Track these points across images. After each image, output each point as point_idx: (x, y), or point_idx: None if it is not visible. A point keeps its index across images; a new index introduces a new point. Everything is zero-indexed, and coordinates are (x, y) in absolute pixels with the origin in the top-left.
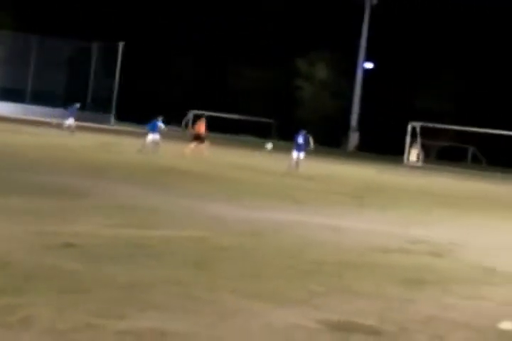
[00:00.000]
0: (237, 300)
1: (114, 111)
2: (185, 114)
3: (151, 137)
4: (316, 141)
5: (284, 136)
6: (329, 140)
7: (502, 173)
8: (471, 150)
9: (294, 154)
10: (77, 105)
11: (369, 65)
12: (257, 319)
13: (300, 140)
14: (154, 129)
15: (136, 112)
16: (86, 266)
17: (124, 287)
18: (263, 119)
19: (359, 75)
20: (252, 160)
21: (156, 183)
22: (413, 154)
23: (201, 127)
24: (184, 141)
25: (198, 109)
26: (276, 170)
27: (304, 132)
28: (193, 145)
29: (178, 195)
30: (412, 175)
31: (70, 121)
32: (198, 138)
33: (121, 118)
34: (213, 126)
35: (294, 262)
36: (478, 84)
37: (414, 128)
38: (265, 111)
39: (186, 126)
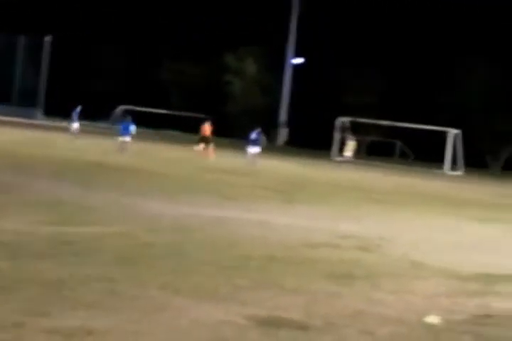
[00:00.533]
0: (164, 296)
1: (41, 106)
2: (114, 109)
3: (126, 139)
4: (245, 137)
5: (214, 131)
6: None
7: (428, 168)
8: (398, 145)
9: (250, 150)
10: (79, 108)
11: (298, 61)
12: (184, 314)
13: (253, 136)
14: (126, 132)
15: (64, 107)
16: (11, 264)
17: (51, 285)
18: (193, 114)
19: (288, 70)
20: (183, 156)
21: (86, 179)
22: (348, 149)
23: (207, 129)
24: (112, 136)
25: (128, 103)
26: (207, 166)
27: (258, 130)
28: (201, 146)
29: (109, 191)
30: (341, 170)
31: (75, 125)
32: (204, 139)
33: (49, 112)
34: (143, 121)
35: (221, 257)
36: (404, 79)
37: (343, 124)
38: (195, 106)
39: (115, 121)
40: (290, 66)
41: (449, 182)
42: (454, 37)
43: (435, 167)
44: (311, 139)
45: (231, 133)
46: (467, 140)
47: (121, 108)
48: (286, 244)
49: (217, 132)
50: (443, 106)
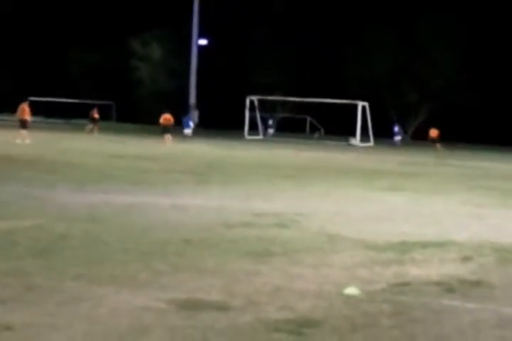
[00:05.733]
0: (81, 287)
1: None
2: (20, 102)
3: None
4: (156, 120)
5: (124, 118)
6: None
7: (340, 141)
8: (308, 120)
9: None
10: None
11: (203, 42)
12: (102, 304)
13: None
14: (188, 125)
15: None
16: None
17: None
18: (102, 102)
19: (194, 52)
20: (92, 145)
21: None
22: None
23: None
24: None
25: (35, 96)
26: (117, 153)
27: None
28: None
29: (18, 185)
30: (253, 149)
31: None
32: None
33: None
34: (52, 111)
35: (137, 244)
36: (310, 54)
37: (252, 102)
38: (103, 93)
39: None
40: (196, 48)
41: (360, 154)
42: (360, 8)
43: (346, 140)
44: (222, 120)
45: (140, 118)
46: (376, 112)
47: (28, 99)
48: (202, 225)
49: (127, 118)
50: (351, 79)
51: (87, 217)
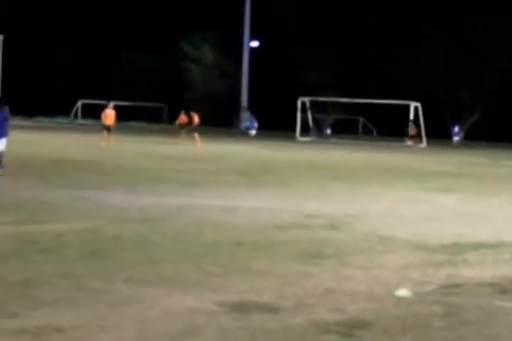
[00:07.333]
0: (132, 289)
1: None
2: (73, 104)
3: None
4: (207, 122)
5: (176, 120)
6: (221, 120)
7: (392, 142)
8: (361, 121)
9: None
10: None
11: (254, 44)
12: (154, 306)
13: None
14: (253, 126)
15: (23, 105)
16: None
17: (16, 285)
18: (154, 104)
19: (245, 54)
20: (144, 147)
21: (46, 176)
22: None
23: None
24: (72, 131)
25: (86, 98)
26: (169, 155)
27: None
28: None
29: (71, 187)
30: (305, 150)
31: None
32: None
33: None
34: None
35: (188, 245)
36: (360, 56)
37: (303, 103)
38: (155, 95)
39: (75, 116)
40: (247, 49)
41: (413, 155)
42: (413, 7)
43: (399, 140)
44: (274, 121)
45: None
46: (430, 112)
47: (80, 102)
48: (253, 227)
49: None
50: (404, 79)
51: (138, 219)
